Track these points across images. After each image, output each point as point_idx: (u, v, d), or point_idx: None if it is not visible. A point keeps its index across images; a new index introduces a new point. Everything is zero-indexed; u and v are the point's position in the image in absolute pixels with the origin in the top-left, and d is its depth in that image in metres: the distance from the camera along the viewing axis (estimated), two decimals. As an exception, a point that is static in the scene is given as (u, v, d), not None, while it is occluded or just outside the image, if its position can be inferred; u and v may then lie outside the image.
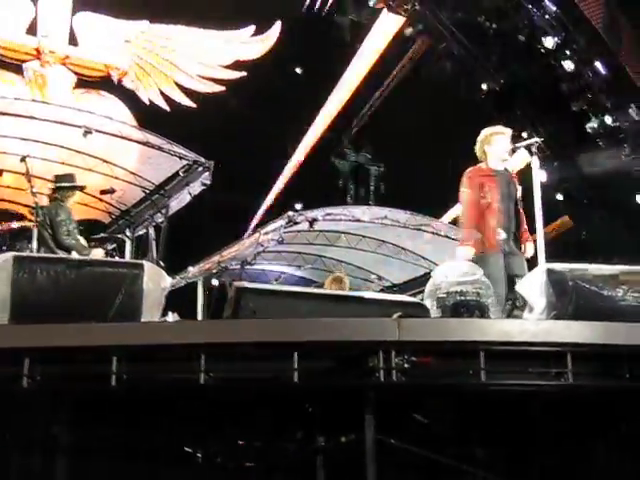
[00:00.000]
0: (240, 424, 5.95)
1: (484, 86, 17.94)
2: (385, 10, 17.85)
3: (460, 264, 7.14)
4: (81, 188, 9.98)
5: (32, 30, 17.16)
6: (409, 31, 18.17)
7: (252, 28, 18.85)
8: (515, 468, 5.61)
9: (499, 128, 8.33)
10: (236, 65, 18.61)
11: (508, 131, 8.25)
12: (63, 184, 9.78)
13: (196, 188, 13.27)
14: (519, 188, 8.13)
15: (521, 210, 8.06)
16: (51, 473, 5.67)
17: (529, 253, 7.90)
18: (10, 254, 6.30)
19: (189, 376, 5.49)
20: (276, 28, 18.94)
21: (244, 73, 18.58)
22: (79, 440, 5.69)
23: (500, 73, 17.89)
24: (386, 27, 18.36)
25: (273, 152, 19.25)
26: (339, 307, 6.30)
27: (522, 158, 8.50)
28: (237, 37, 18.91)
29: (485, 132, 8.23)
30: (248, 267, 14.89)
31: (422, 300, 6.71)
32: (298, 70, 19.30)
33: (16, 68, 17.28)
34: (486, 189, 7.91)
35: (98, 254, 9.46)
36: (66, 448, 5.67)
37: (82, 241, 9.55)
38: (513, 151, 8.09)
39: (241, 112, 18.97)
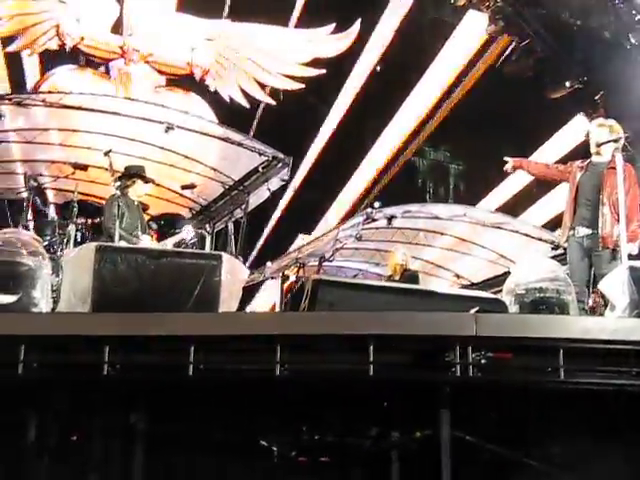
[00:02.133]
0: (314, 418, 5.95)
1: (567, 83, 17.60)
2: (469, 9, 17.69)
3: (540, 261, 7.03)
4: (143, 178, 9.81)
5: (117, 29, 17.50)
6: (491, 28, 17.93)
7: (332, 26, 18.87)
8: (590, 468, 5.48)
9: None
10: (315, 62, 18.66)
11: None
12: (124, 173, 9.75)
13: (275, 184, 13.35)
14: None
15: None
16: (128, 461, 5.76)
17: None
18: (92, 244, 6.44)
19: (265, 368, 5.52)
20: (356, 26, 18.93)
21: (323, 70, 18.61)
22: (155, 429, 5.77)
23: (584, 70, 17.53)
24: (469, 25, 18.20)
25: (351, 150, 19.28)
26: (415, 301, 6.26)
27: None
28: (317, 35, 18.96)
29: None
30: (326, 263, 14.91)
31: (500, 297, 6.63)
32: (377, 68, 19.25)
33: (101, 66, 17.66)
34: None
35: (145, 240, 9.40)
36: (143, 437, 5.74)
37: (140, 233, 9.43)
38: (598, 146, 7.94)
39: (319, 108, 19.08)
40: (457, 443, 5.37)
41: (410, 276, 11.00)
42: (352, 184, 20.31)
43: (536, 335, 5.47)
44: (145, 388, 5.73)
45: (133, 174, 9.73)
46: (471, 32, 18.18)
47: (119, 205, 9.14)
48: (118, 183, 9.41)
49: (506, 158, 8.17)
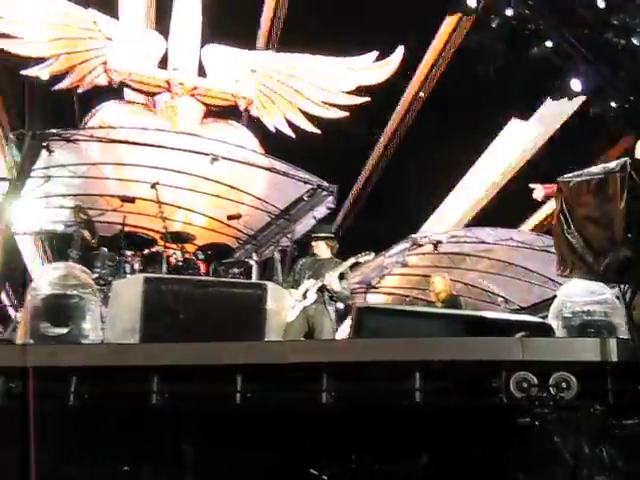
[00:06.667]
0: (363, 445, 5.94)
1: (613, 104, 17.46)
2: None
3: (587, 283, 6.95)
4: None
5: (163, 63, 17.76)
6: (535, 50, 17.88)
7: (374, 54, 18.94)
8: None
9: None
10: (358, 90, 18.73)
11: None
12: None
13: (321, 212, 13.39)
14: None
15: None
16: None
17: None
18: (141, 275, 6.54)
19: (311, 395, 5.55)
20: (398, 53, 18.98)
21: (367, 98, 18.67)
22: (204, 456, 5.81)
23: (630, 90, 17.38)
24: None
25: (396, 174, 19.26)
26: (461, 327, 6.25)
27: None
28: (360, 63, 19.03)
29: None
30: (372, 290, 14.90)
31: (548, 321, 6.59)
32: (421, 94, 19.26)
33: (148, 100, 17.92)
34: None
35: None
36: (192, 464, 5.79)
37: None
38: None
39: (362, 135, 19.12)
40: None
41: (454, 301, 10.94)
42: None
43: (581, 359, 5.43)
44: (193, 416, 5.78)
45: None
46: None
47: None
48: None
49: (533, 185, 7.93)
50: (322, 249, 9.60)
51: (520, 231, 15.42)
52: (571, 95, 17.62)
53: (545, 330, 6.18)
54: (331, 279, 9.23)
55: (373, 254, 9.14)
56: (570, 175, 6.74)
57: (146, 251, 10.89)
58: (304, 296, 8.94)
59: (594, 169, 6.19)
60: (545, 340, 5.82)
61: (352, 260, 9.54)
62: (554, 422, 5.47)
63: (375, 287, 14.74)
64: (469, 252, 15.22)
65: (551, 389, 5.43)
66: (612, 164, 5.96)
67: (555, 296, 8.12)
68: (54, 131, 11.58)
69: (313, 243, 9.70)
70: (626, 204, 5.64)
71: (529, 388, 5.38)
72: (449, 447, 5.74)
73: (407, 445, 5.89)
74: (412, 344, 5.77)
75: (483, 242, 14.73)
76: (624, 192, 5.67)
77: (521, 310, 15.36)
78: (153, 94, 17.89)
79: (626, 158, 5.80)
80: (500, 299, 16.07)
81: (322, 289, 9.14)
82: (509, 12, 16.62)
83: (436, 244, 14.23)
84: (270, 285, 6.55)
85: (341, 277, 9.10)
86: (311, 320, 8.95)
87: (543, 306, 13.72)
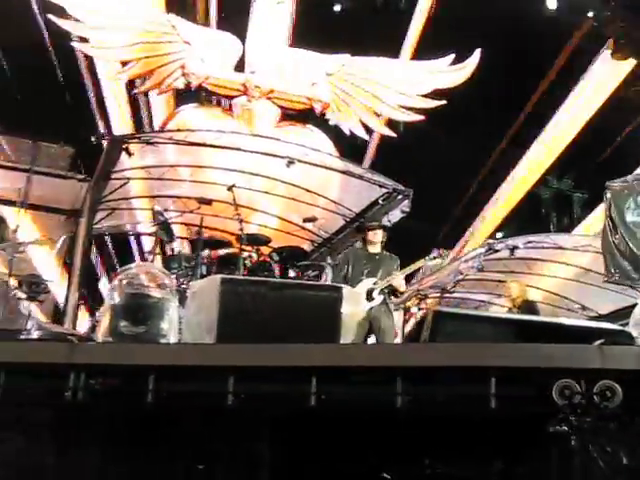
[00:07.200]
0: (437, 450, 5.91)
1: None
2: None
3: (669, 291, 6.81)
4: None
5: (240, 67, 17.94)
6: (617, 54, 17.55)
7: (451, 57, 18.83)
8: None
9: None
10: (435, 93, 18.65)
11: None
12: None
13: (396, 216, 13.37)
14: None
15: None
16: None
17: None
18: (218, 276, 6.61)
19: (385, 399, 5.54)
20: (475, 56, 18.83)
21: (444, 102, 18.56)
22: (280, 458, 5.85)
23: None
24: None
25: (467, 178, 19.18)
26: (538, 333, 6.16)
27: None
28: (436, 66, 18.93)
29: None
30: (448, 295, 14.80)
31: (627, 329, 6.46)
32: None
33: (225, 103, 18.13)
34: None
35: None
36: (267, 465, 5.84)
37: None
38: None
39: (439, 139, 19.03)
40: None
41: (530, 307, 10.83)
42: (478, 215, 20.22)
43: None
44: (269, 417, 5.82)
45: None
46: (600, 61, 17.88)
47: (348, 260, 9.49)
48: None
49: None
50: (378, 239, 9.51)
51: (597, 237, 15.16)
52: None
53: (625, 338, 6.05)
54: (399, 280, 9.17)
55: (449, 256, 9.01)
56: (618, 180, 6.63)
57: (222, 252, 10.99)
58: (369, 297, 8.88)
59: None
60: (624, 348, 5.70)
61: (422, 262, 9.47)
62: (592, 431, 5.36)
63: (450, 292, 14.63)
64: (546, 258, 15.03)
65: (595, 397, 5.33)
66: None
67: (636, 304, 7.96)
68: (133, 133, 11.81)
69: (370, 232, 9.59)
70: None
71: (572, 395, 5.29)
72: (523, 452, 5.68)
73: (481, 451, 5.84)
74: (487, 349, 5.72)
75: (561, 248, 14.53)
76: None
77: (599, 317, 15.10)
78: (230, 97, 18.07)
79: None
80: (577, 306, 15.83)
81: (387, 289, 9.08)
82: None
83: (513, 249, 14.08)
84: (346, 289, 6.55)
85: (407, 279, 9.01)
86: (374, 321, 8.91)
87: (622, 314, 13.49)
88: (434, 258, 9.45)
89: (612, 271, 7.18)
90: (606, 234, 7.34)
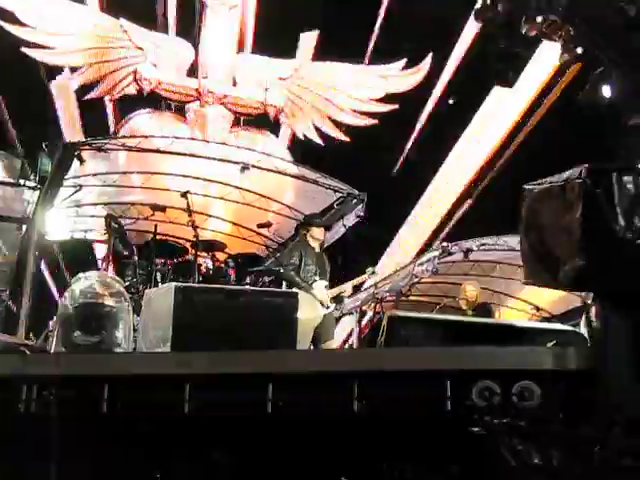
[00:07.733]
0: (394, 455, 5.92)
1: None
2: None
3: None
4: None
5: (192, 72, 17.90)
6: (564, 57, 17.75)
7: (403, 61, 18.97)
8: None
9: None
10: (387, 98, 18.76)
11: None
12: None
13: (351, 220, 13.39)
14: None
15: None
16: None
17: None
18: (172, 284, 6.57)
19: (342, 404, 5.55)
20: (427, 60, 18.99)
21: (396, 106, 18.68)
22: (237, 465, 5.82)
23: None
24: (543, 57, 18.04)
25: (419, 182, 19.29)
26: (490, 336, 6.23)
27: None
28: (389, 71, 19.07)
29: None
30: (403, 298, 14.85)
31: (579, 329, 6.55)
32: (450, 101, 19.21)
33: (178, 109, 18.06)
34: None
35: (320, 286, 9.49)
36: (226, 473, 5.81)
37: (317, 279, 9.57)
38: None
39: (391, 143, 19.10)
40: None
41: (484, 309, 10.94)
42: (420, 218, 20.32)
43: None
44: (225, 425, 5.80)
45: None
46: (542, 62, 18.03)
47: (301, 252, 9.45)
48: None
49: None
50: (322, 237, 9.62)
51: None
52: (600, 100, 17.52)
53: (577, 338, 6.14)
54: (348, 288, 9.33)
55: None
56: (534, 183, 6.71)
57: (177, 260, 10.94)
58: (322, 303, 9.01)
59: (556, 177, 6.14)
60: (576, 349, 5.76)
61: (371, 269, 9.62)
62: (505, 432, 5.42)
63: (405, 295, 14.70)
64: (500, 260, 15.16)
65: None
66: (571, 171, 5.92)
67: (586, 303, 8.08)
68: (85, 140, 11.70)
69: (317, 230, 9.65)
70: (582, 212, 5.61)
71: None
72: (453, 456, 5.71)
73: (438, 455, 5.86)
74: (442, 352, 5.76)
75: (513, 250, 14.66)
76: (580, 200, 5.64)
77: (552, 318, 15.27)
78: (183, 102, 18.00)
79: (585, 165, 5.75)
80: (531, 307, 15.99)
81: (337, 297, 9.24)
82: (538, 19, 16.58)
83: (466, 252, 14.20)
84: (301, 294, 6.56)
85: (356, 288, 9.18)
86: (319, 326, 9.01)
87: (574, 314, 13.66)
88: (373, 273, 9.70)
89: (528, 273, 7.29)
90: (522, 237, 7.42)
